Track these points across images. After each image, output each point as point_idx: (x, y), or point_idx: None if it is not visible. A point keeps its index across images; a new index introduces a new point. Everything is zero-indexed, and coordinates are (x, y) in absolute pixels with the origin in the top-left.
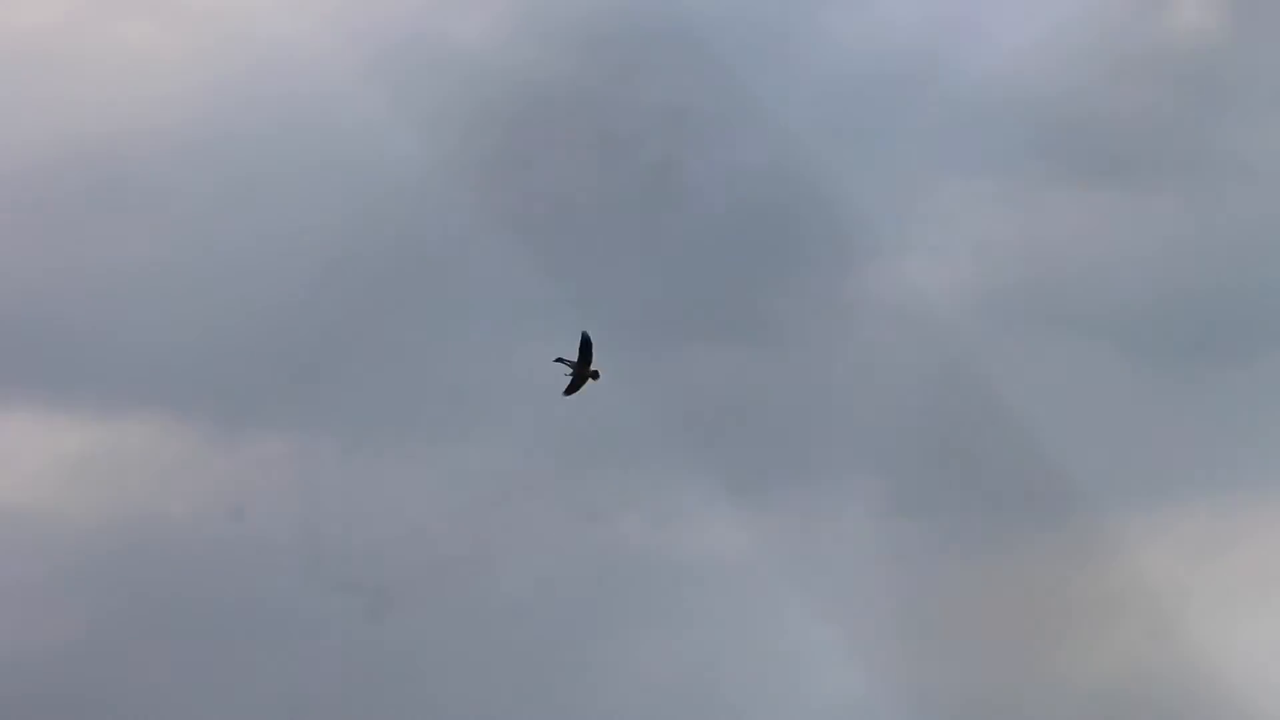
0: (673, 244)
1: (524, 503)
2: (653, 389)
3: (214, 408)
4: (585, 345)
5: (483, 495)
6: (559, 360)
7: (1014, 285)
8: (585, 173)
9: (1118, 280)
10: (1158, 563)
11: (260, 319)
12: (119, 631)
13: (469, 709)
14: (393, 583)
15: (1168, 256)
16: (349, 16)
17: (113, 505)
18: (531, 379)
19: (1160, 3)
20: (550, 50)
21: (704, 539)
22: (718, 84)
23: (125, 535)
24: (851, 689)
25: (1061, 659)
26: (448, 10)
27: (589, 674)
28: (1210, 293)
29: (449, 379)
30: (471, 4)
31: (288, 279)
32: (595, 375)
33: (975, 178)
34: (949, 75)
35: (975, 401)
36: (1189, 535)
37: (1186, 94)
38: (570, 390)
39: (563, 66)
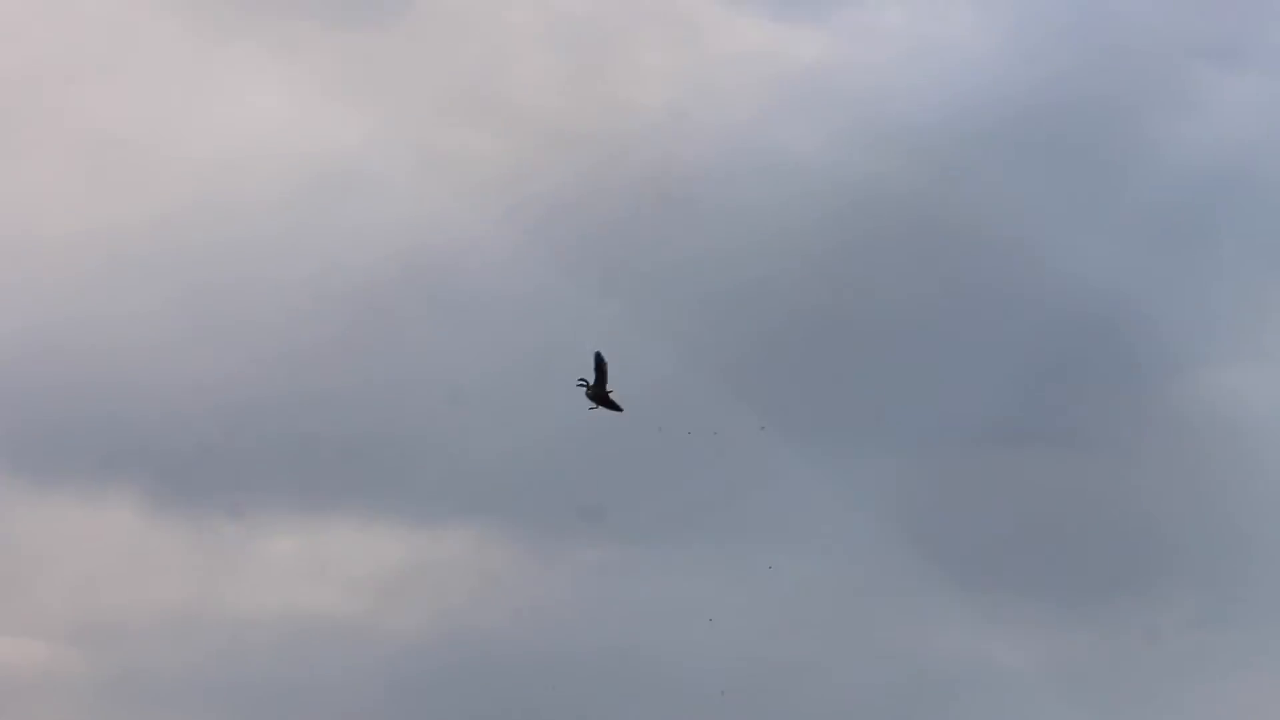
0: (1003, 350)
1: (844, 610)
2: (981, 494)
3: (534, 518)
4: (600, 365)
5: (804, 603)
6: (581, 381)
7: None
8: (911, 279)
9: None
10: None
11: (582, 432)
12: None
13: None
14: (731, 689)
15: None
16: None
17: (431, 615)
18: (862, 487)
19: None
20: (878, 156)
21: (1029, 645)
22: (1042, 192)
23: (443, 645)
24: None
25: None
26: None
27: None
28: None
29: (767, 488)
30: (805, 115)
31: (624, 391)
32: (617, 406)
33: None
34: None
35: None
36: None
37: None
38: (593, 406)
39: (889, 170)
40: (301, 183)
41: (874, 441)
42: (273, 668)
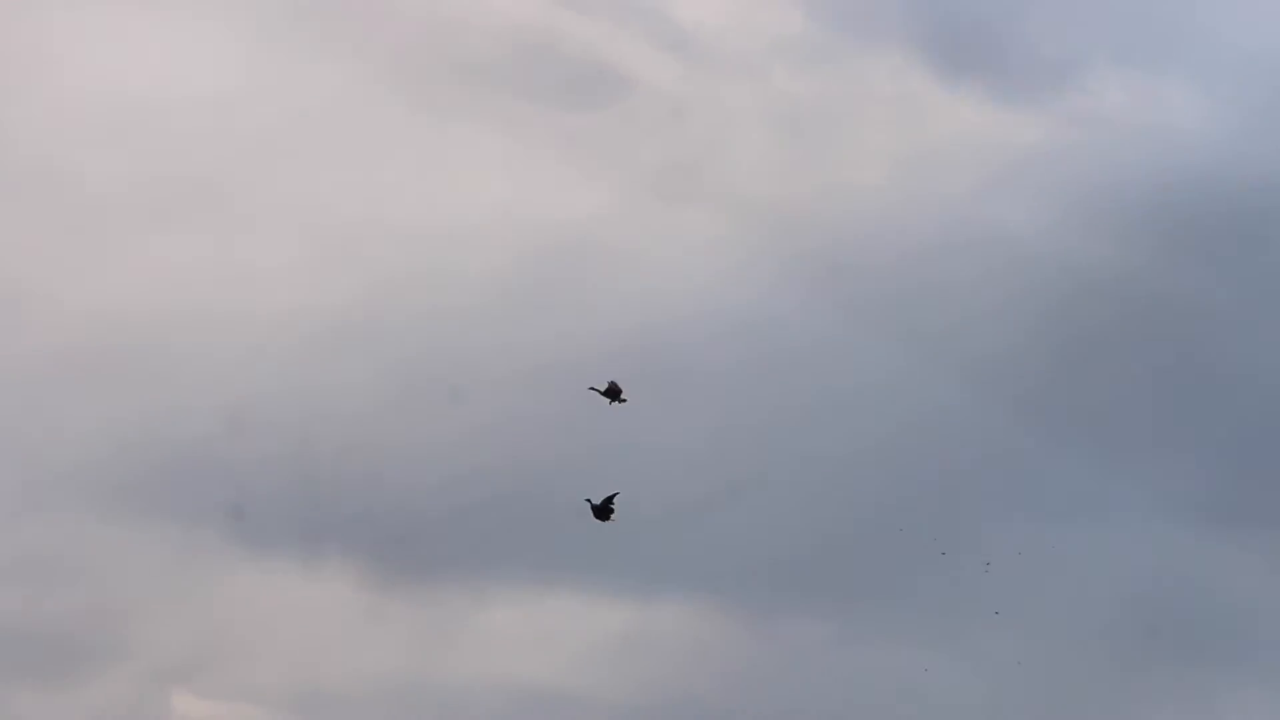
0: (1222, 429)
1: (1060, 688)
2: (1202, 574)
3: (751, 592)
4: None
5: (1021, 679)
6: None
7: None
8: (1128, 357)
9: None
10: None
11: (799, 506)
12: None
13: None
14: None
15: None
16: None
17: (649, 685)
18: (1080, 565)
19: None
20: (1097, 236)
21: None
22: (1263, 274)
23: (661, 716)
24: None
25: None
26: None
27: None
28: None
29: (984, 563)
30: (1024, 196)
31: (840, 476)
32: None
33: None
34: None
35: None
36: None
37: None
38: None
39: (1107, 250)
40: (523, 256)
41: (1092, 519)
42: None
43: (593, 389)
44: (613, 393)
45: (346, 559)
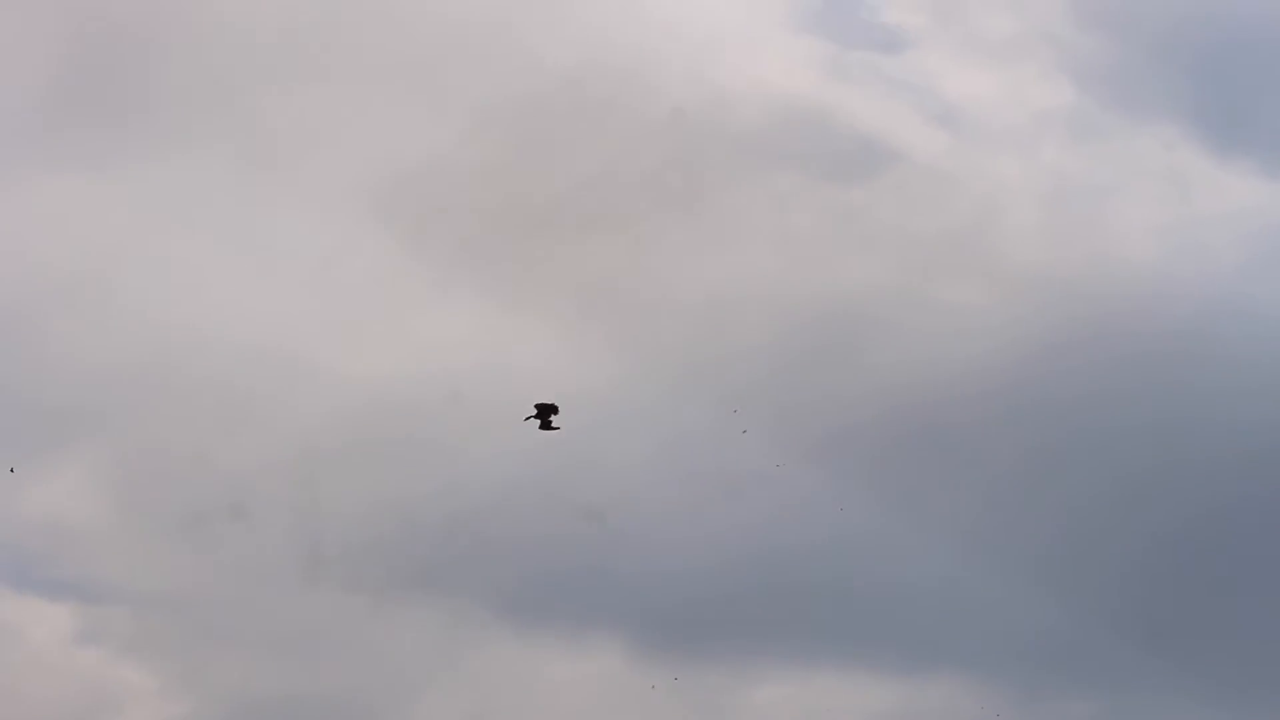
0: None
1: None
2: None
3: (1014, 671)
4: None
5: None
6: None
7: None
8: None
9: None
10: None
11: (1103, 589)
12: None
13: None
14: None
15: None
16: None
17: None
18: None
19: None
20: None
21: None
22: None
23: None
24: None
25: None
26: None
27: None
28: None
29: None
30: None
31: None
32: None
33: None
34: None
35: None
36: None
37: None
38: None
39: None
40: (790, 328)
41: None
42: None
43: (527, 418)
44: (544, 415)
45: (611, 638)
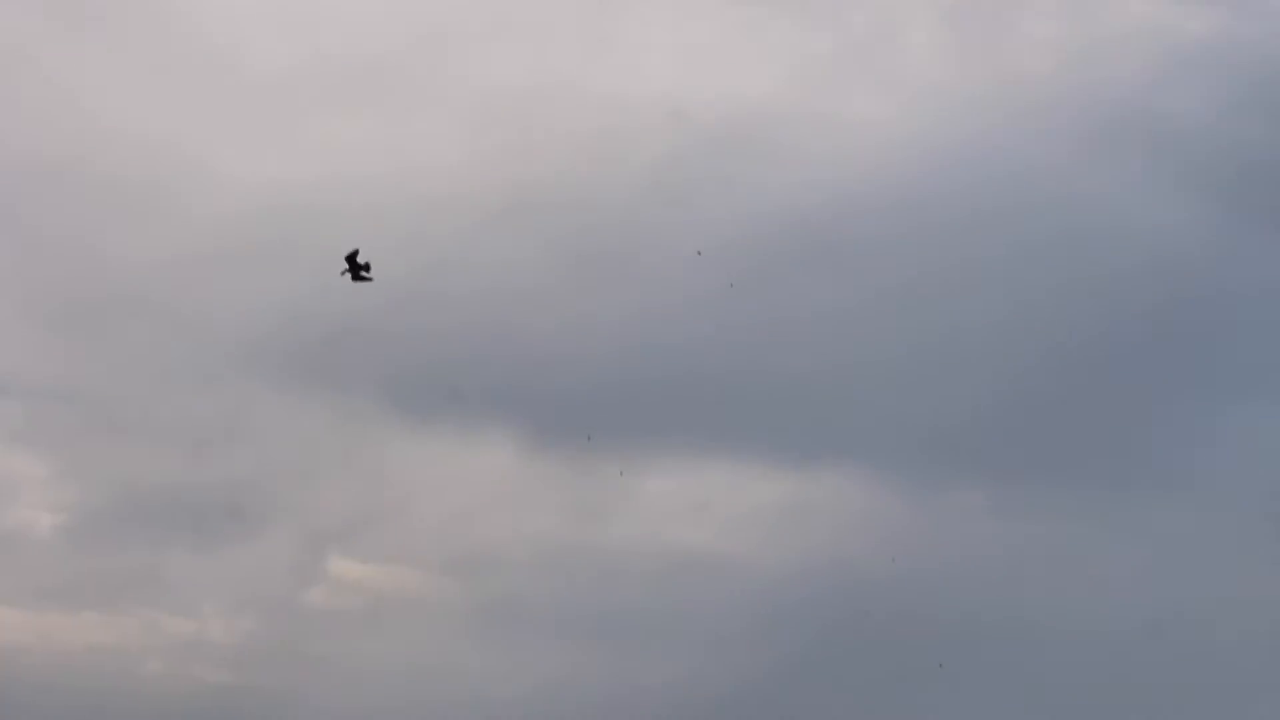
0: None
1: (1224, 563)
2: None
3: (904, 463)
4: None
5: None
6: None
7: None
8: None
9: None
10: None
11: (959, 381)
12: (806, 670)
13: None
14: (1102, 638)
15: None
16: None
17: (806, 553)
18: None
19: None
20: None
21: None
22: None
23: (813, 582)
24: None
25: None
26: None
27: None
28: None
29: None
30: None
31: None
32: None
33: None
34: None
35: None
36: None
37: None
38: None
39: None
40: (690, 140)
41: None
42: (643, 599)
43: (342, 272)
44: (355, 268)
45: (506, 430)
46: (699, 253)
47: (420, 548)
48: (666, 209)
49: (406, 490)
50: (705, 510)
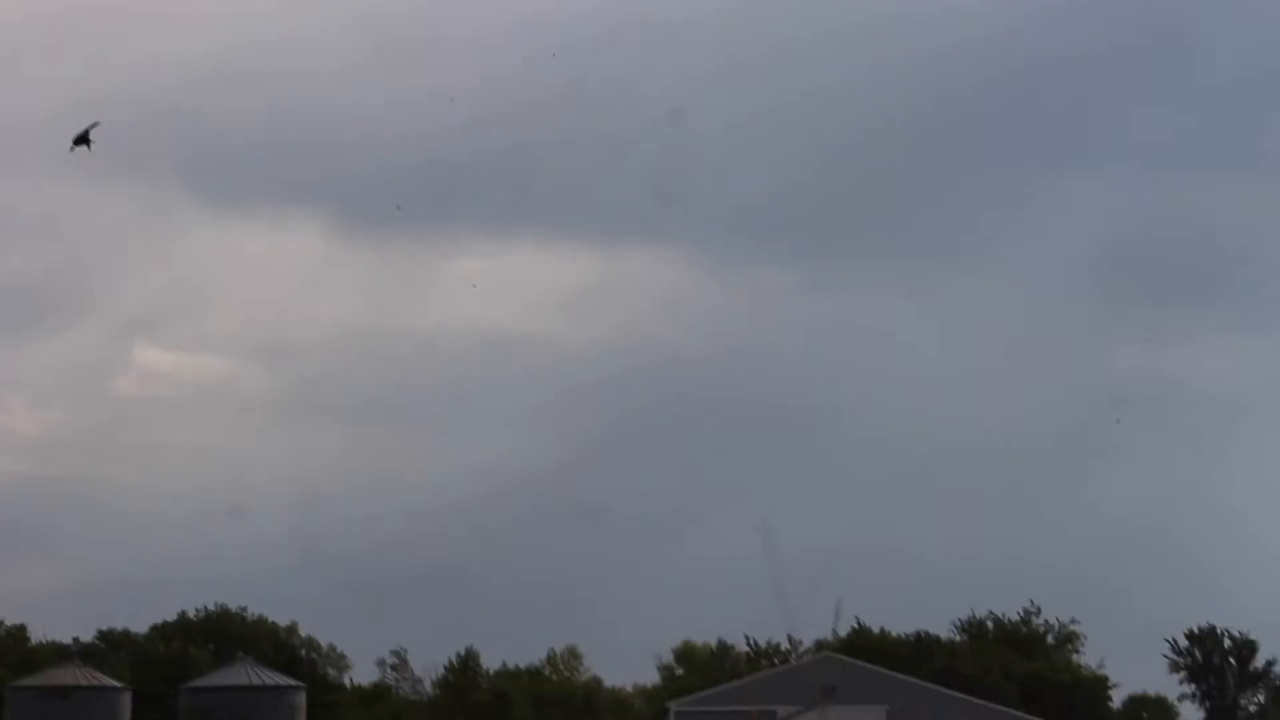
0: None
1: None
2: None
3: (712, 242)
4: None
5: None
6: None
7: None
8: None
9: None
10: None
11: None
12: (614, 446)
13: None
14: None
15: None
16: None
17: (614, 331)
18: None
19: None
20: None
21: None
22: None
23: (619, 358)
24: None
25: None
26: None
27: None
28: None
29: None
30: None
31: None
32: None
33: None
34: None
35: None
36: None
37: None
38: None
39: None
40: None
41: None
42: (452, 379)
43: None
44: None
45: (312, 215)
46: None
47: (227, 335)
48: None
49: (213, 278)
50: (511, 291)
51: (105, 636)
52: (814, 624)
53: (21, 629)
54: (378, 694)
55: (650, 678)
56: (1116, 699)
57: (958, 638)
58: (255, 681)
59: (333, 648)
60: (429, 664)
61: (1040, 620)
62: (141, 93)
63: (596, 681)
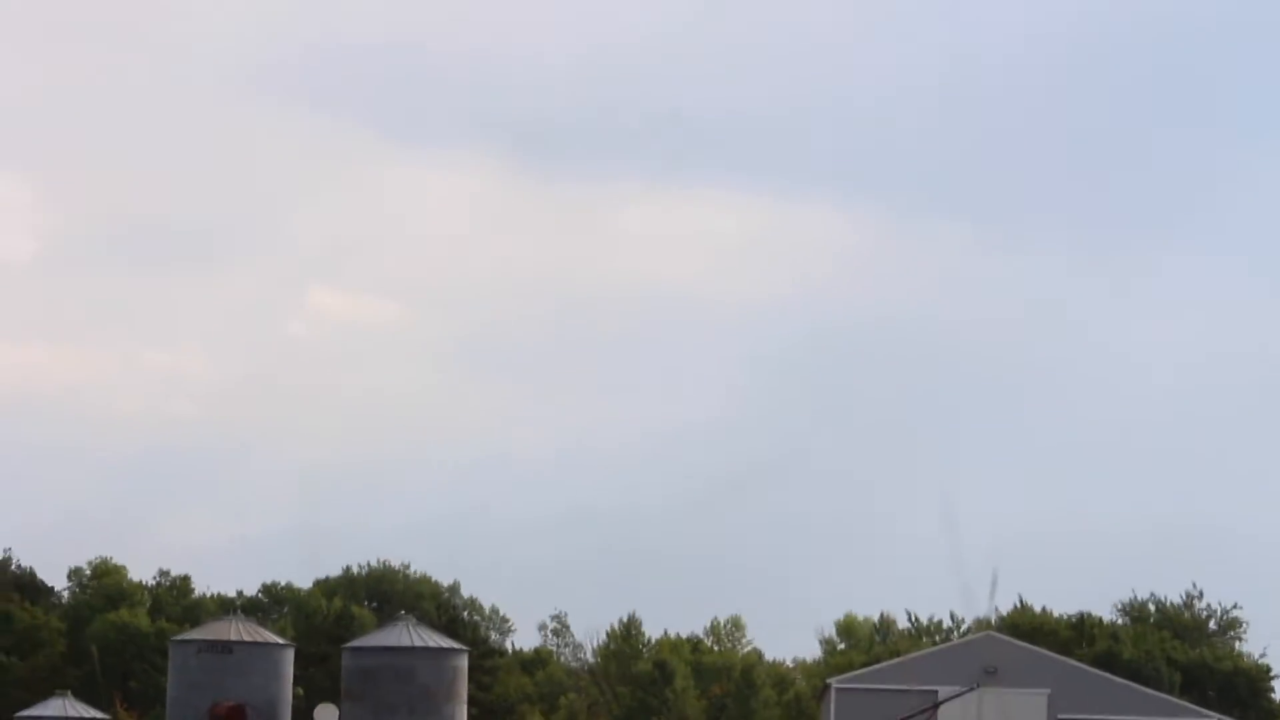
0: None
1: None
2: None
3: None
4: None
5: None
6: None
7: None
8: None
9: None
10: None
11: None
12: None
13: None
14: None
15: None
16: None
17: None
18: None
19: None
20: None
21: None
22: None
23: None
24: None
25: None
26: None
27: None
28: None
29: None
30: None
31: None
32: None
33: None
34: None
35: None
36: None
37: None
38: None
39: None
40: None
41: None
42: (620, 330)
43: None
44: None
45: (485, 155)
46: None
47: (401, 277)
48: None
49: (385, 219)
50: (680, 241)
51: (269, 590)
52: (979, 601)
53: (185, 580)
54: (540, 660)
55: (812, 651)
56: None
57: (1119, 620)
58: (418, 643)
59: (495, 610)
60: (591, 629)
61: (1203, 605)
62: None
63: (757, 653)
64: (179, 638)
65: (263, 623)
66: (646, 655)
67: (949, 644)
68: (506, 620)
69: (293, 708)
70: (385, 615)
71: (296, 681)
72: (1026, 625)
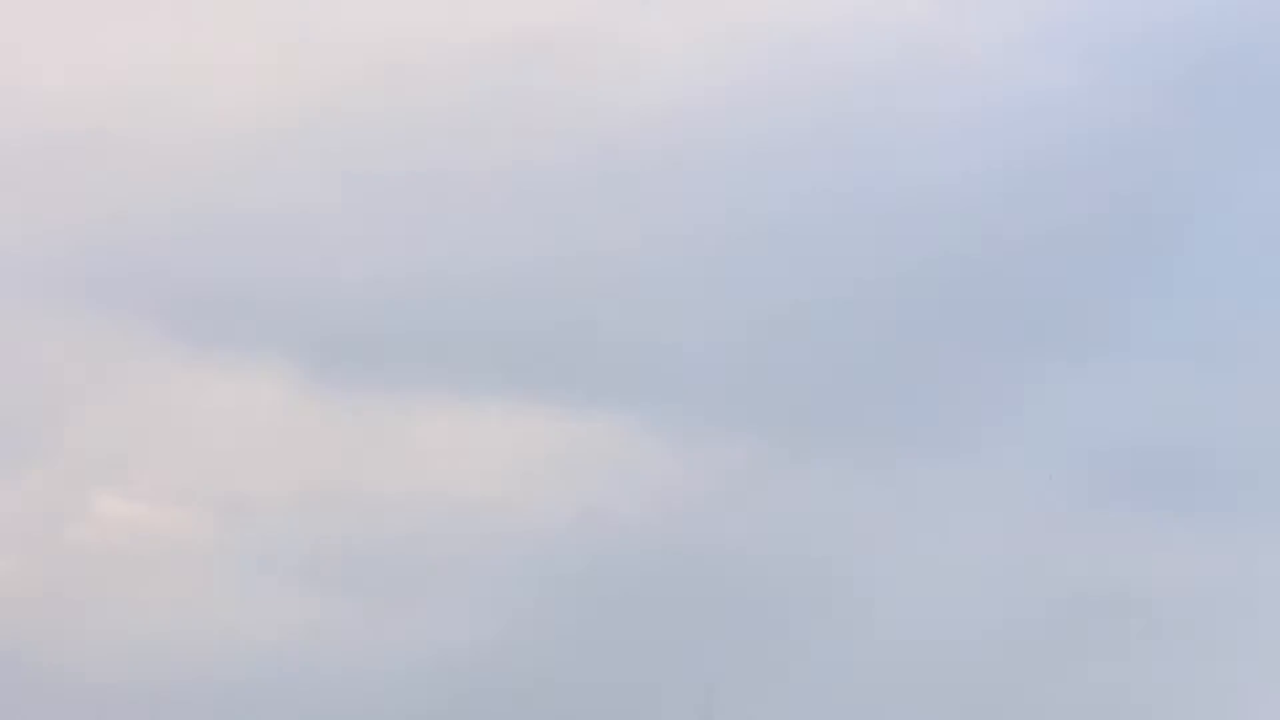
0: None
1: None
2: None
3: (682, 414)
4: None
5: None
6: None
7: None
8: None
9: None
10: None
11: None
12: (579, 625)
13: None
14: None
15: None
16: None
17: (573, 502)
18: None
19: None
20: None
21: None
22: None
23: (584, 532)
24: None
25: None
26: None
27: None
28: None
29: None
30: None
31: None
32: None
33: None
34: None
35: None
36: None
37: None
38: None
39: None
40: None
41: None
42: (412, 546)
43: None
44: None
45: (278, 365)
46: None
47: (190, 487)
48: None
49: (176, 427)
50: (476, 455)
51: None
52: None
53: None
54: None
55: None
56: None
57: None
58: None
59: None
60: None
61: None
62: (119, 236)
63: None
64: None
65: None
66: None
67: None
68: None
69: None
70: None
71: None
72: None
